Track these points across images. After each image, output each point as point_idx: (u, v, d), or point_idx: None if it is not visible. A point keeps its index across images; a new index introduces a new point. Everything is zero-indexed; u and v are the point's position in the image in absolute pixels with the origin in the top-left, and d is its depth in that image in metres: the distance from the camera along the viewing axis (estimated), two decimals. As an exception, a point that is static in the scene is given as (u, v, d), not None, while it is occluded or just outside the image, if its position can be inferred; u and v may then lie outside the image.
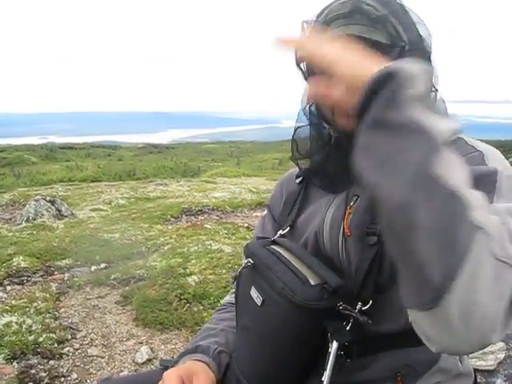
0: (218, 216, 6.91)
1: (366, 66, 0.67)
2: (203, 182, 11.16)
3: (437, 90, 0.91)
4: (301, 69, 0.94)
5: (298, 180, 1.15)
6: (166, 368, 1.02)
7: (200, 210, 7.12)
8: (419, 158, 0.59)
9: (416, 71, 0.63)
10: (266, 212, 1.28)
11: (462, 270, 0.56)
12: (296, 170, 1.18)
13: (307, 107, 1.02)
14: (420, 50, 0.90)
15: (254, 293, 0.95)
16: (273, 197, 1.27)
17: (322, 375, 0.83)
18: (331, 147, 1.01)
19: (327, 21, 0.91)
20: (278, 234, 1.11)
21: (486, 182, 0.74)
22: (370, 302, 0.87)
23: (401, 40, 0.88)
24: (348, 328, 0.85)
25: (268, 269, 0.93)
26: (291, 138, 1.10)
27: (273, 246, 1.02)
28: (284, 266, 0.92)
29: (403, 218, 0.60)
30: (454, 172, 0.60)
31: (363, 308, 0.86)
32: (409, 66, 0.63)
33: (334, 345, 0.83)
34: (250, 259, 0.99)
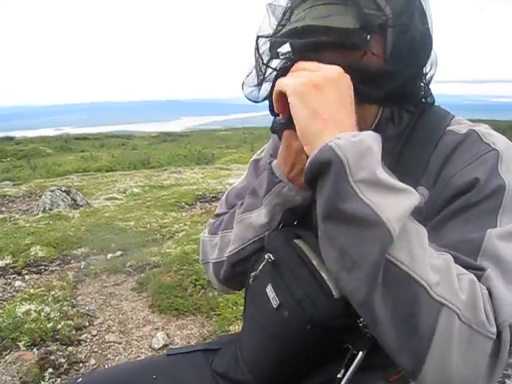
0: (231, 202, 6.91)
1: (315, 130, 0.67)
2: (217, 169, 11.17)
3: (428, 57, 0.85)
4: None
5: None
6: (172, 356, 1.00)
7: (214, 197, 7.12)
8: (374, 253, 0.60)
9: (362, 149, 0.63)
10: (257, 158, 1.21)
11: (430, 352, 0.59)
12: None
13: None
14: (410, 25, 0.80)
15: (270, 292, 0.87)
16: (277, 146, 1.05)
17: (338, 372, 0.81)
18: None
19: (293, 4, 0.84)
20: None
21: (491, 199, 0.73)
22: None
23: (381, 14, 0.78)
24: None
25: (290, 271, 0.85)
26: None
27: (297, 242, 0.90)
28: (307, 271, 0.83)
29: (365, 314, 0.63)
30: (413, 250, 0.61)
31: None
32: (353, 146, 0.62)
33: (360, 354, 0.79)
34: (270, 255, 0.89)
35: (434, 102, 0.90)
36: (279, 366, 0.89)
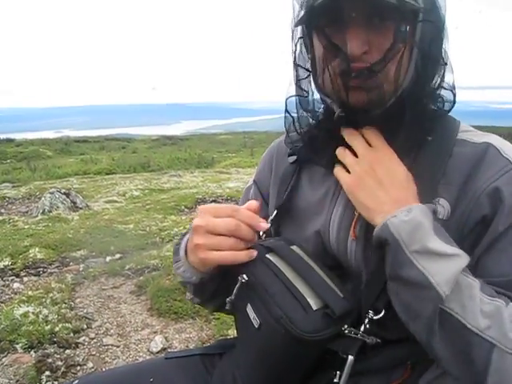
0: (231, 206, 6.90)
1: (377, 205, 0.80)
2: (217, 173, 11.17)
3: (446, 63, 0.85)
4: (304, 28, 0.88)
5: (290, 159, 1.04)
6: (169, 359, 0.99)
7: (214, 201, 7.12)
8: (429, 308, 0.72)
9: (413, 226, 0.73)
10: (249, 185, 1.17)
11: (487, 377, 0.69)
12: (283, 141, 1.07)
13: (306, 79, 0.93)
14: (434, 19, 0.81)
15: (250, 312, 0.84)
16: (260, 171, 1.15)
17: (334, 376, 0.80)
18: (332, 124, 0.90)
19: None
20: (272, 215, 1.01)
21: None
22: (383, 311, 0.82)
23: (414, 1, 0.76)
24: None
25: (265, 290, 0.81)
26: (285, 110, 0.98)
27: (268, 256, 0.87)
28: (282, 287, 0.81)
29: (430, 353, 0.76)
30: (464, 301, 0.71)
31: (375, 317, 0.81)
32: (405, 223, 0.73)
33: (349, 358, 0.78)
34: (244, 275, 0.85)
35: (451, 108, 0.89)
36: (274, 382, 0.88)
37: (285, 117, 0.98)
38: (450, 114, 0.90)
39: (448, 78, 0.87)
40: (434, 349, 0.74)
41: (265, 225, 0.83)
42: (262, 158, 1.18)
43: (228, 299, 0.89)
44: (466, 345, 0.70)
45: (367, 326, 0.81)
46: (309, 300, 0.79)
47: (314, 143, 0.96)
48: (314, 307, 0.79)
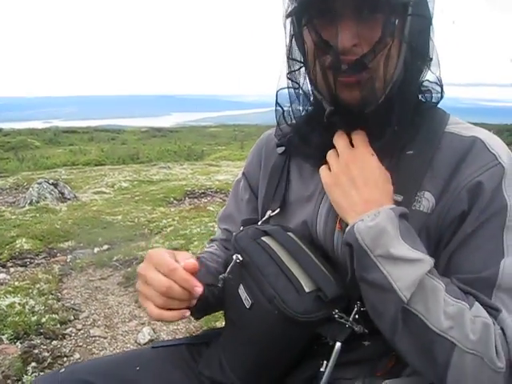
0: (221, 198, 6.90)
1: (349, 205, 0.81)
2: (207, 165, 11.14)
3: (431, 59, 0.85)
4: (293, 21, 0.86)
5: (279, 150, 1.05)
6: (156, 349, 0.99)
7: (203, 193, 7.11)
8: (391, 310, 0.74)
9: (376, 232, 0.74)
10: (239, 178, 1.18)
11: (448, 378, 0.72)
12: (272, 133, 1.08)
13: (298, 71, 0.92)
14: (423, 13, 0.81)
15: (242, 292, 0.87)
16: (249, 164, 1.16)
17: (321, 365, 0.82)
18: (322, 120, 0.90)
19: None
20: (266, 215, 1.02)
21: (496, 219, 0.78)
22: None
23: None
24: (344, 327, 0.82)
25: (259, 271, 0.84)
26: (275, 102, 0.98)
27: (264, 239, 0.91)
28: (277, 268, 0.84)
29: (393, 346, 0.78)
30: (428, 304, 0.73)
31: (362, 308, 0.82)
32: (369, 229, 0.75)
33: (337, 345, 0.80)
34: (238, 255, 0.88)
35: (439, 100, 0.89)
36: (261, 366, 0.89)
37: (275, 109, 0.98)
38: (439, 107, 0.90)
39: (435, 70, 0.87)
40: (397, 345, 0.77)
41: (199, 289, 0.80)
42: (251, 150, 1.19)
43: (221, 276, 0.90)
44: (429, 343, 0.73)
45: (356, 316, 0.83)
46: (302, 282, 0.82)
47: (304, 142, 0.96)
48: (307, 289, 0.81)
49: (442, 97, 0.89)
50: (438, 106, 0.90)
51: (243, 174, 1.17)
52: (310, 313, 0.78)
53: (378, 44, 0.77)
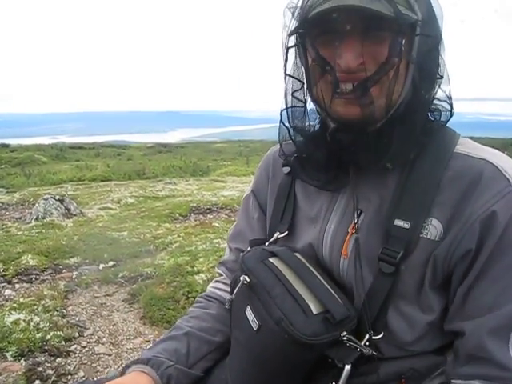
0: (226, 214, 6.90)
1: None
2: (212, 181, 11.15)
3: (441, 77, 0.83)
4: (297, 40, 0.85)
5: (285, 170, 1.04)
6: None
7: (209, 209, 7.11)
8: None
9: None
10: (248, 194, 1.17)
11: None
12: (277, 150, 1.06)
13: (300, 90, 0.91)
14: (432, 32, 0.79)
15: (249, 314, 0.86)
16: (257, 181, 1.15)
17: None
18: (325, 138, 0.89)
19: (315, 2, 0.76)
20: (274, 237, 1.00)
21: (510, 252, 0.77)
22: (382, 333, 0.83)
23: (412, 13, 0.75)
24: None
25: (266, 292, 0.83)
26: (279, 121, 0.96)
27: (271, 260, 0.90)
28: (284, 289, 0.83)
29: None
30: None
31: (373, 337, 0.82)
32: None
33: (346, 367, 0.78)
34: (246, 277, 0.88)
35: (448, 119, 0.87)
36: None
37: (279, 129, 0.96)
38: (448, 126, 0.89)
39: (445, 88, 0.85)
40: None
41: None
42: (258, 166, 1.18)
43: (228, 298, 0.92)
44: None
45: (367, 343, 0.82)
46: (309, 304, 0.80)
47: (307, 163, 0.95)
48: (315, 311, 0.79)
49: (451, 115, 0.86)
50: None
51: (252, 191, 1.16)
52: (317, 335, 0.77)
53: (385, 65, 0.76)
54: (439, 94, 0.86)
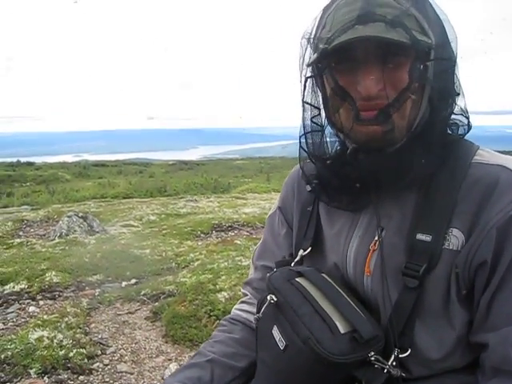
0: (248, 232, 6.88)
1: None
2: (233, 198, 11.17)
3: (458, 94, 0.85)
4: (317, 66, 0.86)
5: (308, 187, 1.03)
6: None
7: (230, 226, 7.10)
8: None
9: None
10: (273, 212, 1.18)
11: None
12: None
13: (319, 114, 0.93)
14: (446, 54, 0.82)
15: (276, 333, 0.87)
16: (283, 198, 1.16)
17: None
18: (346, 159, 0.89)
19: (334, 34, 0.78)
20: (299, 255, 1.01)
21: None
22: (409, 350, 0.82)
23: (427, 38, 0.77)
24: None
25: (293, 311, 0.84)
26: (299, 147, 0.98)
27: (298, 280, 0.91)
28: (311, 308, 0.83)
29: None
30: None
31: (400, 355, 0.81)
32: None
33: None
34: (273, 296, 0.88)
35: (466, 132, 0.88)
36: None
37: (299, 153, 0.98)
38: (467, 139, 0.89)
39: (460, 102, 0.86)
40: None
41: None
42: (284, 183, 1.19)
43: (255, 317, 0.92)
44: None
45: (393, 363, 0.80)
46: (337, 323, 0.80)
47: (329, 187, 0.96)
48: (342, 330, 0.79)
49: (469, 128, 0.87)
50: (468, 138, 0.89)
51: (279, 207, 1.16)
52: (345, 354, 0.76)
53: (405, 91, 0.78)
54: (455, 108, 0.87)
